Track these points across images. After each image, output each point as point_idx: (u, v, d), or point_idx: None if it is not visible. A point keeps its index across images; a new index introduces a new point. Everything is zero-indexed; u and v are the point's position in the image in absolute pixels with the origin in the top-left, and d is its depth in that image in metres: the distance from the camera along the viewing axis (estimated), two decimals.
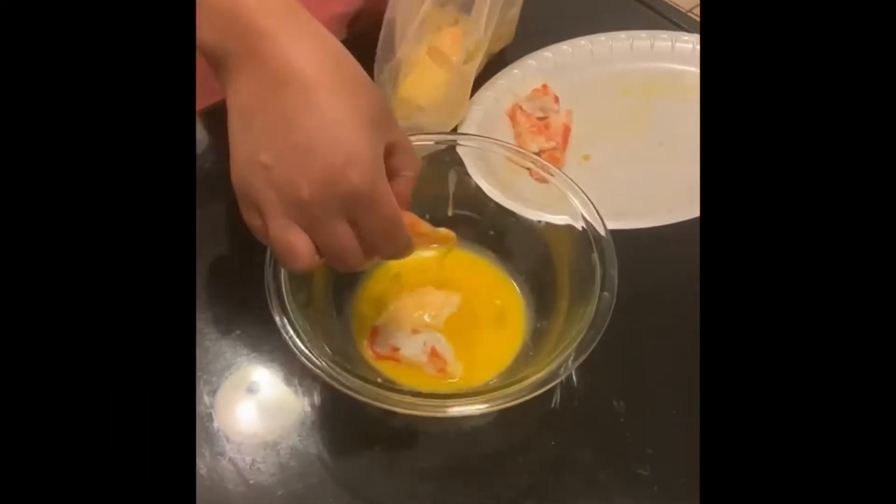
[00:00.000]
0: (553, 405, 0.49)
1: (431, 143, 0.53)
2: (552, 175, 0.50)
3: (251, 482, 0.46)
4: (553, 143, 0.66)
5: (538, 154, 0.64)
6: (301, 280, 0.46)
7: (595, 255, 0.46)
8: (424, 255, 0.54)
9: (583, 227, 0.47)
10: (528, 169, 0.51)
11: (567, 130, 0.67)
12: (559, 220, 0.49)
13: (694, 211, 0.57)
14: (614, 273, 0.45)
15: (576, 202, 0.48)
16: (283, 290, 0.44)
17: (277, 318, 0.43)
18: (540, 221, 0.51)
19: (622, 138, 0.67)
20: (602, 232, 0.46)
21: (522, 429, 0.49)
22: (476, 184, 0.54)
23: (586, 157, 0.66)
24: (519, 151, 0.52)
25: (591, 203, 0.48)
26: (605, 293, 0.44)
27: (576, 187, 0.49)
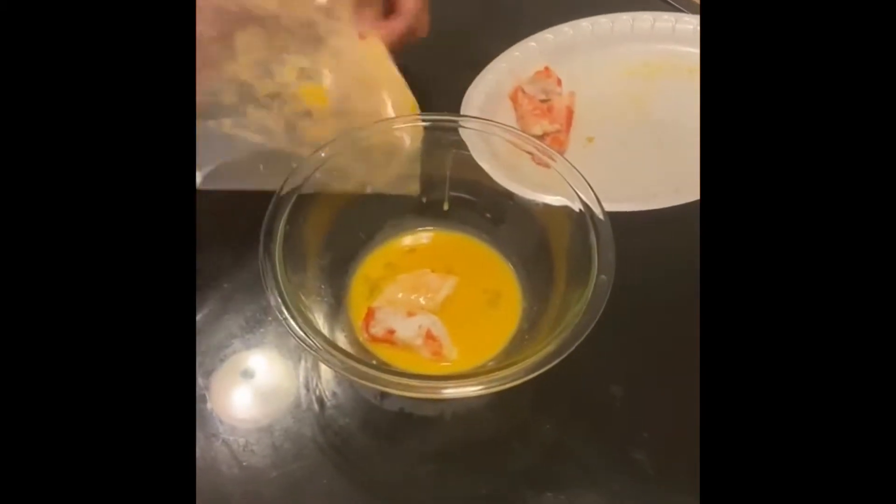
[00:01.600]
0: (548, 389, 0.49)
1: (431, 124, 0.52)
2: (553, 159, 0.49)
3: (245, 464, 0.46)
4: (556, 126, 0.65)
5: (541, 137, 0.64)
6: (296, 261, 0.46)
7: (592, 238, 0.45)
8: (419, 241, 0.54)
9: (580, 210, 0.46)
10: (529, 153, 0.51)
11: (570, 113, 0.66)
12: (557, 202, 0.48)
13: (699, 192, 0.56)
14: (611, 256, 0.44)
15: (574, 185, 0.47)
16: (278, 271, 0.44)
17: (272, 300, 0.43)
18: (537, 204, 0.51)
19: (626, 120, 0.67)
20: (600, 215, 0.46)
21: (518, 413, 0.49)
22: (473, 166, 0.53)
23: (590, 140, 0.65)
24: (521, 135, 0.52)
25: (590, 186, 0.47)
26: (602, 276, 0.43)
27: (574, 170, 0.48)
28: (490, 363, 0.47)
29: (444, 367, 0.48)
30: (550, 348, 0.41)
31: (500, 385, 0.40)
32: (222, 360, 0.50)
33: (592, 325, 0.41)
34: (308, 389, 0.50)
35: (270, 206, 0.46)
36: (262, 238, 0.44)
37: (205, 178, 0.55)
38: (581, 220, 0.46)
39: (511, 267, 0.52)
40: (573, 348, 0.41)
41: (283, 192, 0.47)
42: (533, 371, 0.40)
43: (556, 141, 0.64)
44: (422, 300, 0.50)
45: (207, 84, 0.55)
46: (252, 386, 0.50)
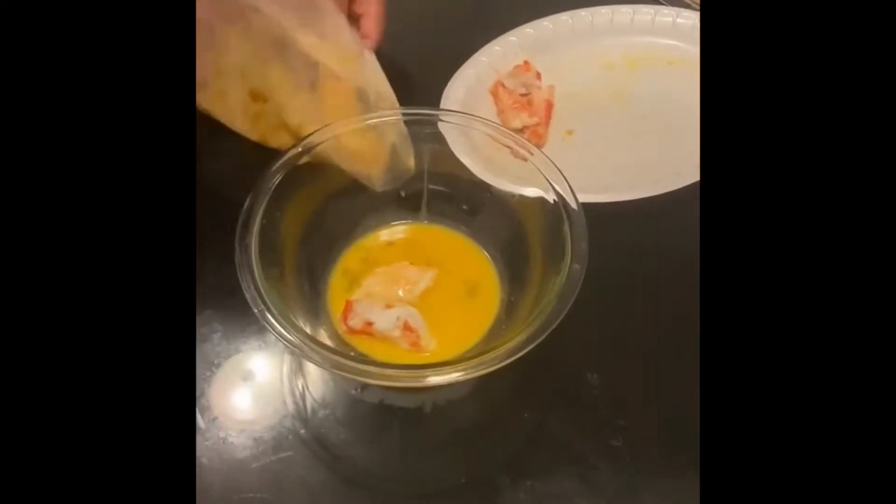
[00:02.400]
0: (526, 378, 0.49)
1: (411, 117, 0.53)
2: (530, 153, 0.49)
3: (224, 456, 0.46)
4: (536, 119, 0.65)
5: (521, 130, 0.64)
6: (274, 255, 0.46)
7: (566, 229, 0.45)
8: (397, 235, 0.55)
9: (554, 201, 0.47)
10: (508, 147, 0.51)
11: (550, 106, 0.67)
12: (532, 193, 0.49)
13: (679, 182, 0.57)
14: (585, 246, 0.44)
15: (549, 177, 0.48)
16: (254, 265, 0.44)
17: (248, 294, 0.43)
18: (514, 196, 0.51)
19: (605, 112, 0.67)
20: (574, 206, 0.46)
21: (496, 402, 0.49)
22: (451, 159, 0.54)
23: (570, 132, 0.66)
24: (498, 128, 0.52)
25: (564, 177, 0.47)
26: (576, 265, 0.44)
27: (549, 162, 0.48)
28: (468, 352, 0.47)
29: (422, 358, 0.48)
30: (523, 337, 0.41)
31: (480, 370, 0.40)
32: (203, 353, 0.51)
33: (565, 313, 0.42)
34: (288, 382, 0.50)
35: (247, 202, 0.46)
36: (238, 232, 0.45)
37: None
38: (555, 211, 0.47)
39: (489, 258, 0.53)
40: (546, 335, 0.41)
41: (260, 186, 0.47)
42: (505, 359, 0.40)
43: (535, 134, 0.64)
44: (400, 292, 0.51)
45: None
46: (232, 378, 0.50)
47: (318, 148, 0.50)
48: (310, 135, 0.50)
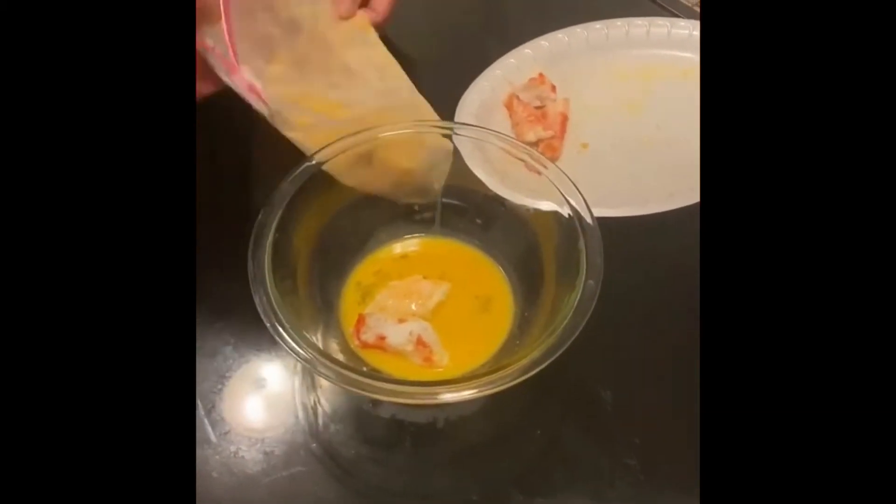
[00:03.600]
0: (539, 394, 0.49)
1: (426, 131, 0.53)
2: (544, 167, 0.49)
3: (235, 471, 0.46)
4: (551, 132, 0.65)
5: (536, 143, 0.64)
6: (287, 268, 0.46)
7: (581, 244, 0.45)
8: (410, 248, 0.54)
9: (569, 215, 0.46)
10: (523, 161, 0.51)
11: (564, 119, 0.66)
12: (547, 208, 0.49)
13: (695, 196, 0.56)
14: (600, 261, 0.44)
15: (564, 191, 0.48)
16: (267, 278, 0.44)
17: (260, 308, 0.43)
18: (528, 210, 0.51)
19: (620, 125, 0.67)
20: (589, 220, 0.46)
21: (509, 418, 0.49)
22: (464, 172, 0.53)
23: (585, 145, 0.66)
24: (513, 142, 0.52)
25: (579, 192, 0.47)
26: (590, 281, 0.43)
27: (564, 177, 0.48)
28: (481, 368, 0.47)
29: (435, 373, 0.48)
30: (536, 354, 0.41)
31: (493, 388, 0.40)
32: (213, 367, 0.51)
33: (580, 330, 0.41)
34: (300, 396, 0.50)
35: (260, 214, 0.46)
36: (251, 245, 0.45)
37: None
38: (570, 226, 0.46)
39: (502, 272, 0.53)
40: (560, 353, 0.41)
41: (274, 199, 0.47)
42: (519, 376, 0.40)
43: (550, 147, 0.64)
44: (413, 306, 0.50)
45: None
46: (243, 392, 0.50)
47: (333, 158, 0.49)
48: (323, 148, 0.50)
